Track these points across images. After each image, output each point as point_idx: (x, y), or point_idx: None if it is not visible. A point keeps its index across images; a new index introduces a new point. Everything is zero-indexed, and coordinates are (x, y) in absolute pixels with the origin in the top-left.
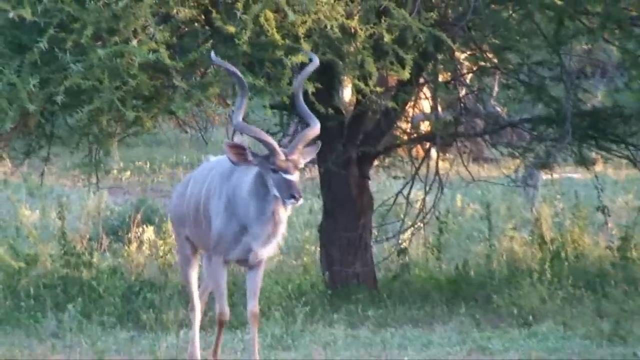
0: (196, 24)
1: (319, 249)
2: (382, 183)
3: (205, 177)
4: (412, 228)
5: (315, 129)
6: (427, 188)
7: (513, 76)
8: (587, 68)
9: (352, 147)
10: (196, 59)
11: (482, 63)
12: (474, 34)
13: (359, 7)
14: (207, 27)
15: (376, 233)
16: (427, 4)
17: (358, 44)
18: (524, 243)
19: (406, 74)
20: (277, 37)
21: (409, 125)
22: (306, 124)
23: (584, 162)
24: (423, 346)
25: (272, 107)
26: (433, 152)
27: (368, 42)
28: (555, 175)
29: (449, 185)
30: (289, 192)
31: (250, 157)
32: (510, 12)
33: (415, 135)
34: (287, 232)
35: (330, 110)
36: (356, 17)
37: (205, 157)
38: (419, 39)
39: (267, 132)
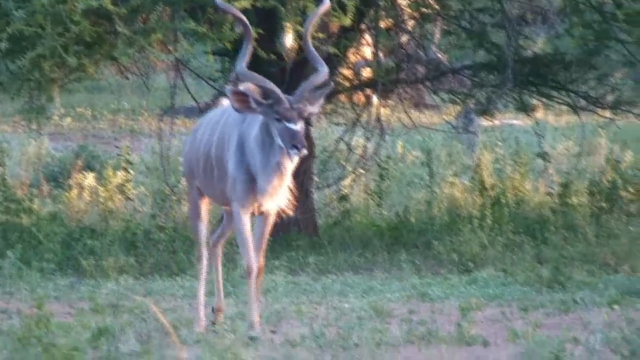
0: None
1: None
2: (323, 129)
3: (217, 123)
4: (353, 174)
5: (323, 73)
6: (369, 134)
7: (454, 23)
8: (528, 14)
9: (293, 92)
10: (139, 5)
11: (424, 9)
12: None
13: None
14: None
15: (317, 180)
16: None
17: None
18: (464, 189)
19: (348, 20)
20: None
21: (351, 71)
22: (314, 69)
23: (525, 109)
24: (363, 292)
25: (214, 53)
26: (374, 99)
27: None
28: (496, 122)
29: (390, 132)
30: (292, 142)
31: (253, 105)
32: None
33: (356, 81)
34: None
35: (273, 56)
36: None
37: (219, 101)
38: None
39: (208, 78)
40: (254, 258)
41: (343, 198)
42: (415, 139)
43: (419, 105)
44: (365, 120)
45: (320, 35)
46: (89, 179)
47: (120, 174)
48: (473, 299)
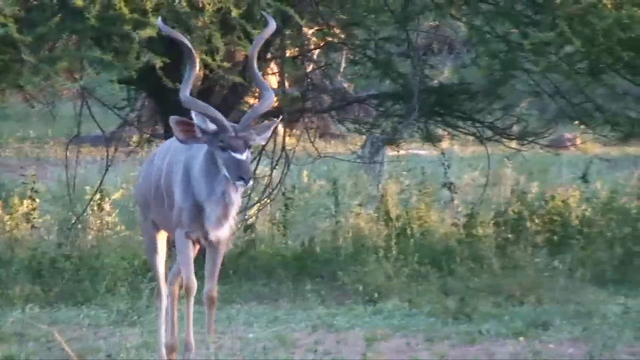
0: None
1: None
2: None
3: (167, 151)
4: (258, 204)
5: (269, 101)
6: (274, 164)
7: (360, 52)
8: (434, 44)
9: None
10: (45, 33)
11: (330, 39)
12: (322, 10)
13: None
14: (55, 1)
15: None
16: None
17: (206, 18)
18: (370, 219)
19: None
20: (126, 11)
21: (256, 100)
22: (260, 95)
23: (431, 139)
24: (269, 322)
25: (119, 81)
26: (280, 128)
27: (216, 17)
28: (402, 152)
29: (296, 161)
30: (238, 172)
31: (199, 134)
32: None
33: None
34: (236, 215)
35: (178, 85)
36: None
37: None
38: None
39: (114, 107)
40: (193, 278)
41: (248, 227)
42: (321, 169)
43: (324, 134)
44: (271, 149)
45: (226, 64)
46: None
47: (26, 202)
48: (378, 329)
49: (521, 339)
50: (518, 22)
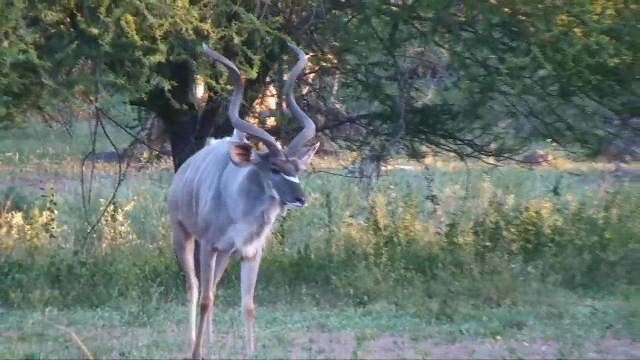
0: (62, 27)
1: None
2: None
3: (202, 161)
4: None
5: (311, 129)
6: None
7: (352, 76)
8: (419, 69)
9: (203, 140)
10: (63, 59)
11: (324, 64)
12: (316, 37)
13: (212, 12)
14: (72, 29)
15: None
16: (274, 9)
17: (210, 45)
18: (360, 229)
19: (254, 73)
20: (137, 38)
21: (257, 120)
22: (301, 126)
23: (416, 155)
24: (267, 323)
25: (131, 103)
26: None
27: (219, 44)
28: (389, 167)
29: None
30: (294, 195)
31: (254, 158)
32: (350, 17)
33: (261, 129)
34: (269, 231)
35: (185, 106)
36: (209, 21)
37: (207, 141)
38: (266, 41)
39: (126, 126)
40: (211, 295)
41: None
42: (316, 182)
43: (319, 151)
44: None
45: (229, 87)
46: (17, 218)
47: (46, 213)
48: (367, 329)
49: (498, 337)
50: (496, 49)
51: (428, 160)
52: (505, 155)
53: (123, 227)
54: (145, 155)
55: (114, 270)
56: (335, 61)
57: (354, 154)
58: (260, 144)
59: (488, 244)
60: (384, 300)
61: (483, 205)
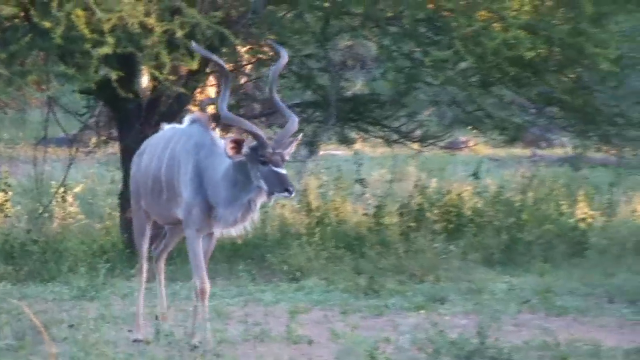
0: (17, 20)
1: (119, 214)
2: None
3: (165, 147)
4: None
5: (295, 123)
6: None
7: (286, 67)
8: (349, 61)
9: (148, 127)
10: (17, 50)
11: (260, 55)
12: (254, 31)
13: (156, 7)
14: (26, 23)
15: None
16: (214, 4)
17: (155, 38)
18: (293, 210)
19: (195, 65)
20: (86, 31)
21: (198, 108)
22: (285, 120)
23: (346, 141)
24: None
25: (81, 91)
26: (217, 131)
27: (163, 37)
28: (321, 152)
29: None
30: (283, 185)
31: (244, 150)
32: (285, 12)
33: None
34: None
35: (130, 95)
36: (153, 15)
37: (160, 126)
38: (207, 34)
39: (76, 113)
40: (207, 279)
41: None
42: None
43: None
44: None
45: (172, 77)
46: None
47: (0, 194)
48: (300, 303)
49: (422, 311)
50: (420, 42)
51: (357, 145)
52: (429, 141)
53: (72, 208)
54: (93, 140)
55: (64, 247)
56: (271, 53)
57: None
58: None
59: (413, 224)
60: (316, 277)
61: (408, 188)
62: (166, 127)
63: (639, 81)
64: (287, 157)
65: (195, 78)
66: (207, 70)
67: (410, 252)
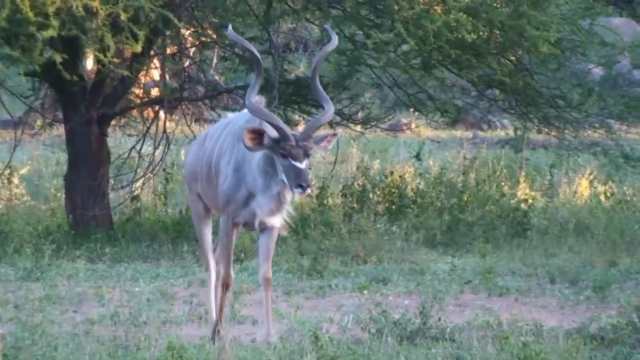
0: None
1: (64, 195)
2: (118, 140)
3: (220, 135)
4: (143, 178)
5: (329, 113)
6: (156, 144)
7: (229, 50)
8: (292, 43)
9: (93, 109)
10: None
11: (204, 38)
12: (197, 14)
13: None
14: None
15: (113, 182)
16: None
17: (99, 21)
18: None
19: (139, 48)
20: (31, 15)
21: (142, 90)
22: (321, 107)
23: (289, 123)
24: (152, 278)
25: (26, 74)
26: (161, 114)
27: (107, 20)
28: None
29: (175, 142)
30: (297, 181)
31: (266, 142)
32: None
33: (146, 99)
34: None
35: (75, 77)
36: None
37: (224, 114)
38: (151, 18)
39: (21, 95)
40: (231, 273)
41: (135, 198)
42: None
43: (199, 119)
44: (154, 132)
45: (116, 60)
46: None
47: None
48: (244, 284)
49: (365, 292)
50: (362, 25)
51: (300, 127)
52: (372, 123)
53: (18, 190)
54: (38, 123)
55: (9, 229)
56: (214, 36)
57: None
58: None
59: (355, 205)
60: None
61: (351, 169)
62: (229, 115)
63: (579, 64)
64: (313, 151)
65: (139, 61)
66: (151, 53)
67: (353, 233)
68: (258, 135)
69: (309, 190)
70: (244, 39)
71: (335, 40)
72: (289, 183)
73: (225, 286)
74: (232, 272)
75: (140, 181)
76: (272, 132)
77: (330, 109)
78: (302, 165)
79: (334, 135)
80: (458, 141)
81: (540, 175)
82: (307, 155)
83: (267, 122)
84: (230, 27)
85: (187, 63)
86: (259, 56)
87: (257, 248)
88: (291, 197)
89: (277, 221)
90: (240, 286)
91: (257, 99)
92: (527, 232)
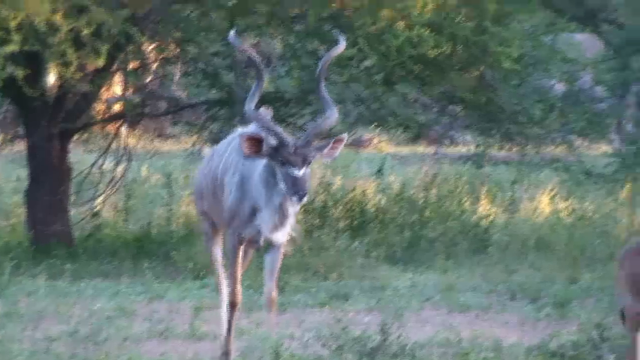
0: None
1: (25, 211)
2: (79, 155)
3: (225, 150)
4: (104, 194)
5: (332, 118)
6: (118, 160)
7: (192, 65)
8: None
9: (55, 124)
10: None
11: (166, 54)
12: (160, 29)
13: (63, 4)
14: None
15: (74, 198)
16: (120, 2)
17: (61, 36)
18: None
19: (101, 63)
20: None
21: (104, 106)
22: (323, 112)
23: None
24: (112, 295)
25: None
26: (123, 129)
27: (69, 35)
28: None
29: (136, 158)
30: (294, 189)
31: (264, 149)
32: (191, 10)
33: (108, 114)
34: (295, 223)
35: (37, 93)
36: (60, 13)
37: (233, 130)
38: (113, 33)
39: None
40: (239, 293)
41: (95, 214)
42: (158, 164)
43: (161, 134)
44: (115, 147)
45: (78, 75)
46: None
47: None
48: (205, 300)
49: (326, 308)
50: (325, 40)
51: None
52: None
53: None
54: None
55: None
56: (177, 51)
57: (194, 137)
58: None
59: (317, 221)
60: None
61: (313, 185)
62: (239, 130)
63: (541, 79)
64: (313, 158)
65: (101, 76)
66: (114, 68)
67: (315, 249)
68: (256, 142)
69: (305, 199)
70: (207, 53)
71: (342, 44)
72: (287, 191)
73: (233, 305)
74: (239, 294)
75: (102, 197)
76: (272, 140)
77: (333, 115)
78: (300, 172)
79: (339, 140)
80: (420, 157)
81: (501, 191)
82: (306, 162)
83: (266, 128)
84: (232, 31)
85: (149, 78)
86: (260, 63)
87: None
88: (293, 209)
89: (281, 237)
90: (201, 302)
91: (263, 110)
92: (488, 249)
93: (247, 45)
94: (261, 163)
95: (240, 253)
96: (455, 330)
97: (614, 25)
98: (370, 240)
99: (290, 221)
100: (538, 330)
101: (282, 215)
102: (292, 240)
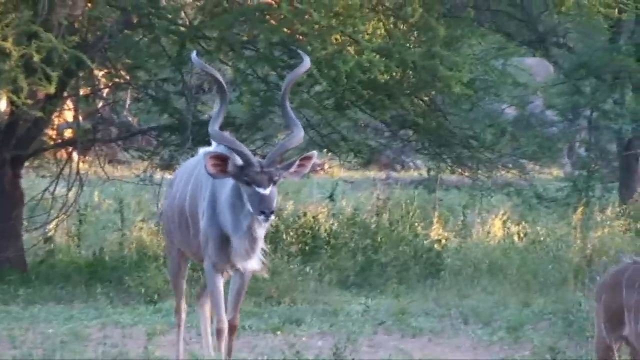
0: None
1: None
2: (31, 181)
3: (190, 174)
4: (57, 219)
5: (298, 137)
6: (70, 185)
7: (143, 91)
8: (205, 84)
9: (6, 150)
10: None
11: (117, 80)
12: (110, 55)
13: (13, 31)
14: None
15: (26, 224)
16: (71, 29)
17: (12, 62)
18: (151, 232)
19: (52, 89)
20: None
21: (55, 131)
22: (289, 131)
23: None
24: (65, 320)
25: None
26: (75, 155)
27: (20, 61)
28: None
29: (88, 183)
30: (260, 207)
31: (230, 169)
32: (141, 36)
33: (60, 140)
34: (263, 247)
35: None
36: (10, 39)
37: (197, 150)
38: (64, 59)
39: None
40: (225, 319)
41: (48, 239)
42: (110, 190)
43: (112, 160)
44: (67, 173)
45: (29, 101)
46: None
47: None
48: (158, 325)
49: (278, 333)
50: (275, 66)
51: None
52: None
53: None
54: None
55: None
56: (127, 77)
57: (145, 163)
58: None
59: (269, 246)
60: (173, 299)
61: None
62: (200, 151)
63: (492, 104)
64: (280, 177)
65: (52, 102)
66: (65, 94)
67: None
68: (221, 161)
69: (272, 217)
70: (157, 79)
71: (307, 62)
72: (252, 210)
73: (219, 332)
74: (224, 320)
75: (54, 222)
76: (237, 159)
77: (299, 133)
78: (267, 191)
79: (308, 158)
80: (371, 182)
81: (453, 215)
82: (272, 181)
83: (231, 148)
84: (194, 53)
85: (100, 104)
86: (224, 84)
87: (168, 290)
88: (261, 230)
89: (255, 264)
90: (154, 327)
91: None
92: (441, 273)
93: (209, 67)
94: (227, 190)
95: (220, 280)
96: (408, 354)
97: (564, 49)
98: (323, 265)
99: (260, 244)
100: (491, 354)
101: (251, 239)
102: (263, 266)
